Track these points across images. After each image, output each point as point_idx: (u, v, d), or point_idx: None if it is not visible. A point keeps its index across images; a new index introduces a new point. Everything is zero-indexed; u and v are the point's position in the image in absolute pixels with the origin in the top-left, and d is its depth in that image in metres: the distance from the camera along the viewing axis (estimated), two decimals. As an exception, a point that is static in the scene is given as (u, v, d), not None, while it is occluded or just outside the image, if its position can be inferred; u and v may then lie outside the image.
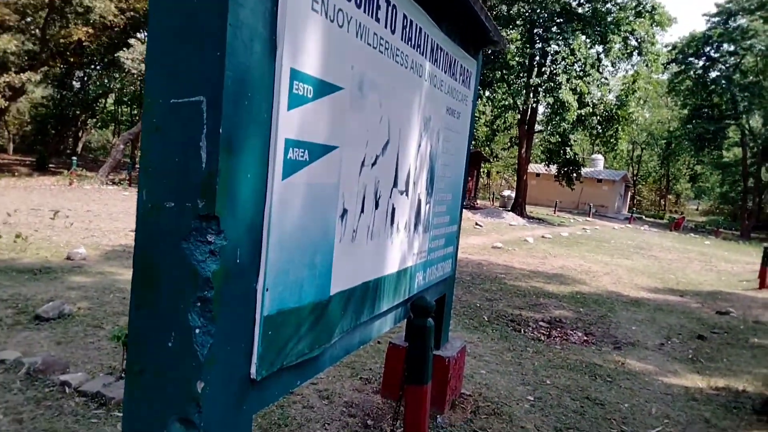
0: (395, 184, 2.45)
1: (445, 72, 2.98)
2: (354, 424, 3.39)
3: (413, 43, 2.43)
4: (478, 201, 33.99)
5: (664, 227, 33.88)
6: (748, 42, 34.14)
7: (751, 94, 34.26)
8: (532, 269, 11.08)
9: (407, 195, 2.63)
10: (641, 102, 27.90)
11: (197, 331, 1.38)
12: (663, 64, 27.87)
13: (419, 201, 2.83)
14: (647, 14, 24.47)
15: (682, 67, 37.85)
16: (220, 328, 1.42)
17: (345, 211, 1.98)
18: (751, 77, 35.37)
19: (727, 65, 36.64)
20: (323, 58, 1.71)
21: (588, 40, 24.16)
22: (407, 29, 2.34)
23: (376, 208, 2.27)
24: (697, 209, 65.13)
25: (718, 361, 5.79)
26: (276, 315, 1.63)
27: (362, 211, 2.13)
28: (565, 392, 4.38)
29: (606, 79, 26.17)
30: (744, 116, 35.82)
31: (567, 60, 23.21)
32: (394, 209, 2.47)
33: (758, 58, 35.26)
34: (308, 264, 1.77)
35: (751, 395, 4.71)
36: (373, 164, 2.18)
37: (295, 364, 1.80)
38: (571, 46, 22.70)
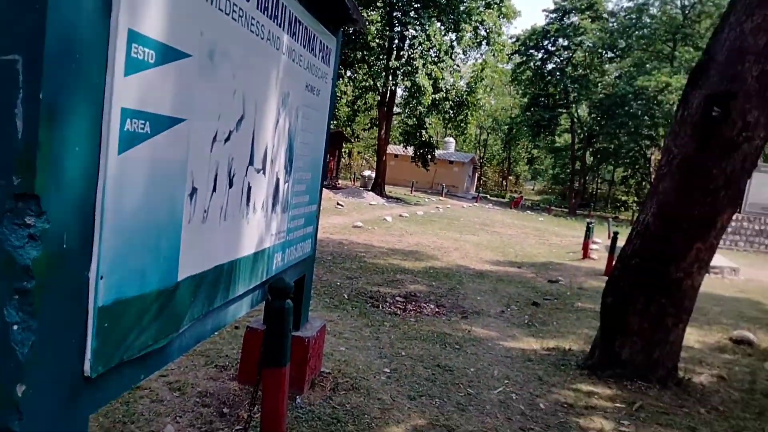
0: (251, 162, 2.34)
1: (305, 47, 2.90)
2: (208, 414, 3.25)
3: (270, 13, 2.32)
4: (340, 181, 34.29)
5: (506, 206, 37.12)
6: (579, 38, 38.37)
7: (580, 86, 38.69)
8: (390, 247, 11.48)
9: (264, 173, 2.53)
10: (488, 89, 30.10)
11: (15, 327, 1.20)
12: (508, 55, 30.31)
13: (277, 180, 2.75)
14: (495, 6, 26.31)
15: (524, 58, 41.48)
16: (44, 322, 1.25)
17: (194, 189, 1.84)
18: (580, 70, 39.89)
19: (562, 58, 40.86)
20: (168, 20, 1.55)
21: (443, 27, 25.35)
22: (263, -2, 2.22)
23: (230, 186, 2.15)
24: (533, 189, 72.33)
25: (549, 325, 6.51)
26: (113, 305, 1.47)
27: (214, 189, 2.00)
28: (419, 362, 4.62)
29: (458, 66, 27.77)
30: (574, 106, 40.41)
31: (423, 45, 24.15)
32: (250, 188, 2.37)
33: (586, 54, 39.88)
34: (151, 248, 1.62)
35: (576, 353, 5.36)
36: (227, 140, 2.05)
37: (137, 357, 1.65)
38: (428, 32, 23.65)
